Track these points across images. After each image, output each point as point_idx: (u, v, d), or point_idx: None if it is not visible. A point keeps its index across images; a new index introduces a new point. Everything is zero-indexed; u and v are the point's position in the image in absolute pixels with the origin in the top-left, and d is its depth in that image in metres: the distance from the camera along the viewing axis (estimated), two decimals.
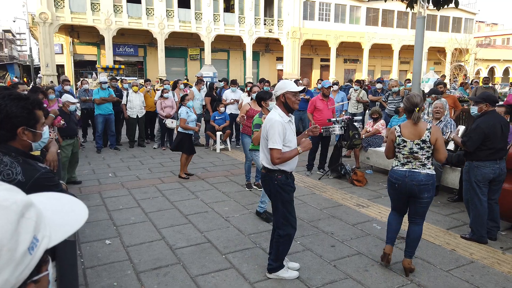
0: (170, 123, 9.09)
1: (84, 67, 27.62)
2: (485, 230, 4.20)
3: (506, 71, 41.67)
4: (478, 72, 37.94)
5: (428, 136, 3.36)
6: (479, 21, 58.41)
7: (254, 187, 6.30)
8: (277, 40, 32.20)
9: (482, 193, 4.15)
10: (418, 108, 3.37)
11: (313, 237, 4.37)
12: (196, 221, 4.82)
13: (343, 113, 9.21)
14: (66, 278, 1.95)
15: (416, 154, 3.40)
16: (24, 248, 0.60)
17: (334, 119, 6.94)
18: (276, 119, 3.22)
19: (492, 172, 4.11)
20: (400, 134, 3.48)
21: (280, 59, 33.52)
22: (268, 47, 33.75)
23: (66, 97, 6.57)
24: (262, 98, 5.10)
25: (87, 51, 28.45)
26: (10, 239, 0.58)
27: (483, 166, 4.10)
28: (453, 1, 8.49)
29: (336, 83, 10.15)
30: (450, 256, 3.90)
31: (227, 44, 31.79)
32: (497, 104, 4.54)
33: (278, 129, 3.18)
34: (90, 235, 4.36)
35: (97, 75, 18.98)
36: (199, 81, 10.26)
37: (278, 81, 9.76)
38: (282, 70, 32.90)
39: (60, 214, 0.72)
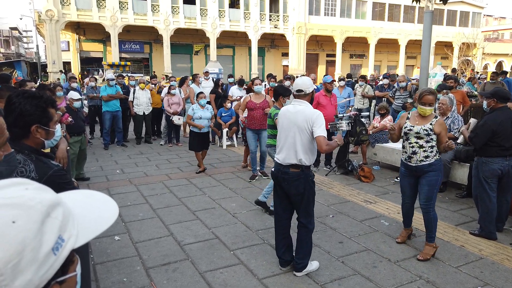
0: (177, 120, 9.12)
1: (90, 64, 27.76)
2: (494, 226, 4.17)
3: None
4: (486, 67, 37.49)
5: None
6: (487, 15, 57.57)
7: (259, 174, 6.68)
8: (282, 35, 32.08)
9: (491, 188, 4.11)
10: None
11: (320, 233, 4.37)
12: (204, 217, 4.84)
13: (350, 108, 9.16)
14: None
15: None
16: (48, 248, 0.59)
17: (341, 115, 6.90)
18: (319, 112, 3.37)
19: (501, 168, 4.06)
20: None
21: (285, 54, 33.40)
22: (274, 42, 33.65)
23: (70, 94, 6.63)
24: (281, 94, 5.06)
25: (93, 48, 28.59)
26: (33, 238, 0.58)
27: (491, 162, 4.06)
28: None
29: (343, 79, 10.10)
30: (459, 253, 3.88)
31: (233, 40, 31.74)
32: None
33: (323, 119, 3.34)
34: None
35: (103, 72, 19.04)
36: (195, 76, 10.34)
37: (284, 77, 9.75)
38: (287, 65, 32.79)
39: (90, 213, 0.72)
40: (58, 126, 1.97)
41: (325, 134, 3.28)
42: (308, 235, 3.41)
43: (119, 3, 26.10)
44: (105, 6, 25.76)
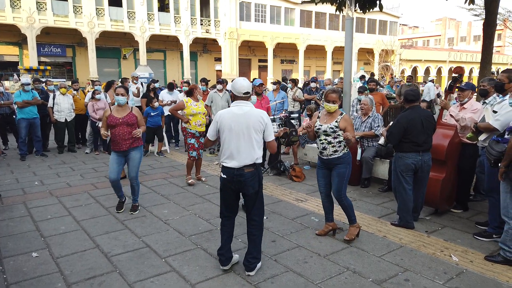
0: None
1: (4, 68, 25.34)
2: (411, 216, 4.52)
3: (427, 71, 45.30)
4: (403, 72, 40.83)
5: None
6: (402, 24, 62.97)
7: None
8: (214, 40, 32.04)
9: (406, 182, 4.44)
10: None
11: None
12: (134, 226, 4.62)
13: (284, 112, 9.38)
14: None
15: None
16: None
17: (272, 117, 7.05)
18: (265, 112, 3.53)
19: (414, 162, 4.38)
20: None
21: (218, 59, 33.39)
22: (206, 47, 33.47)
23: None
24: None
25: (7, 51, 26.11)
26: None
27: (406, 157, 4.40)
28: (377, 5, 9.03)
29: (275, 83, 10.33)
30: (382, 242, 4.14)
31: (163, 44, 31.01)
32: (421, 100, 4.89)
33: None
34: (14, 249, 3.99)
35: (18, 77, 17.49)
36: (124, 80, 9.99)
37: (217, 81, 9.72)
38: (220, 70, 32.80)
39: None
40: None
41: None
42: (259, 232, 3.51)
43: (36, 4, 24.17)
44: (20, 6, 23.71)
